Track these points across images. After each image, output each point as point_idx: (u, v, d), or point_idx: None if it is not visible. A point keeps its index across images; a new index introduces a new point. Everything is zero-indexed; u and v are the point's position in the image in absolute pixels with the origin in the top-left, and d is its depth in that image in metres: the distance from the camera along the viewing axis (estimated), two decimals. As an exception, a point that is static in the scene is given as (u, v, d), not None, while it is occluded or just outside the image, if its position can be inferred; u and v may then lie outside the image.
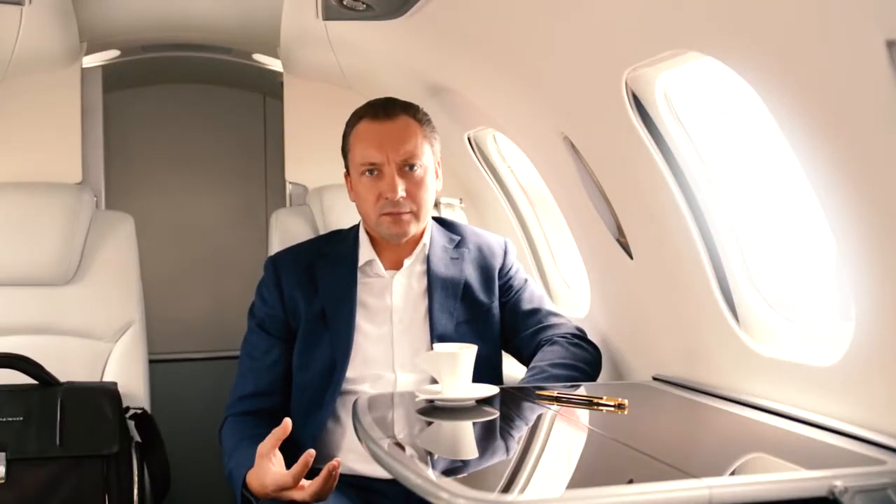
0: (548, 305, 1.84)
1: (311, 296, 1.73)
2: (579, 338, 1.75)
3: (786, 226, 1.53)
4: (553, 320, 1.79)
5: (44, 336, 2.15)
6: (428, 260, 1.76)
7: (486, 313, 1.77)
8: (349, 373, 1.67)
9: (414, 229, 1.71)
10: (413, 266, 1.76)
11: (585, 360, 1.70)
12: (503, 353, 1.83)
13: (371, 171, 1.68)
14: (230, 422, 1.72)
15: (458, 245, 1.80)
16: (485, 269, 1.79)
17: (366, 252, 1.76)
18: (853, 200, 1.06)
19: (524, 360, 1.78)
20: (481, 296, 1.77)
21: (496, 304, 1.78)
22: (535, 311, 1.80)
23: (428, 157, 1.71)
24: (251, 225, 3.34)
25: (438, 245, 1.78)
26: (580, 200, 1.81)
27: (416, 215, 1.69)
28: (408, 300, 1.73)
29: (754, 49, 1.10)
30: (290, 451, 1.65)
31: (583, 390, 1.54)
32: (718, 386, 1.46)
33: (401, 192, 1.65)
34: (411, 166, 1.68)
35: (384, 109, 1.71)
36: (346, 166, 1.76)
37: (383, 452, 1.14)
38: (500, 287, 1.79)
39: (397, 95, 1.78)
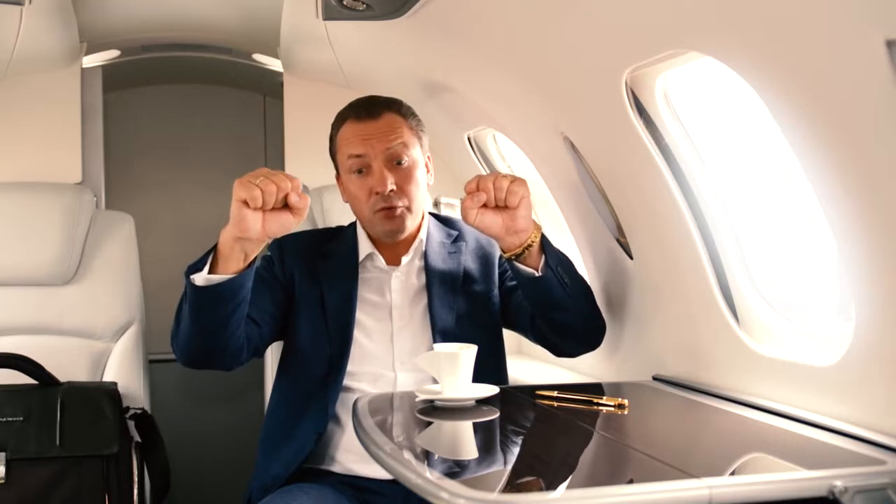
0: None
1: (311, 284, 1.72)
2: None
3: (786, 226, 1.52)
4: None
5: (44, 336, 2.16)
6: (425, 255, 1.75)
7: (487, 303, 1.75)
8: (349, 367, 1.67)
9: (410, 224, 1.70)
10: (411, 262, 1.75)
11: (590, 296, 1.65)
12: (505, 354, 1.81)
13: (360, 171, 1.67)
14: None
15: (456, 239, 1.79)
16: (484, 259, 1.78)
17: (365, 247, 1.75)
18: (853, 200, 1.06)
19: (535, 326, 1.70)
20: (480, 286, 1.75)
21: (496, 292, 1.76)
22: None
23: (416, 151, 1.70)
24: (251, 225, 3.33)
25: (436, 240, 1.77)
26: (580, 200, 1.81)
27: (409, 209, 1.68)
28: (406, 296, 1.72)
29: (754, 49, 1.10)
30: (289, 449, 1.65)
31: (583, 391, 1.54)
32: (718, 386, 1.46)
33: (390, 185, 1.64)
34: (399, 161, 1.67)
35: (366, 109, 1.70)
36: (336, 168, 1.76)
37: (384, 454, 1.14)
38: (500, 274, 1.77)
39: (397, 95, 1.77)
